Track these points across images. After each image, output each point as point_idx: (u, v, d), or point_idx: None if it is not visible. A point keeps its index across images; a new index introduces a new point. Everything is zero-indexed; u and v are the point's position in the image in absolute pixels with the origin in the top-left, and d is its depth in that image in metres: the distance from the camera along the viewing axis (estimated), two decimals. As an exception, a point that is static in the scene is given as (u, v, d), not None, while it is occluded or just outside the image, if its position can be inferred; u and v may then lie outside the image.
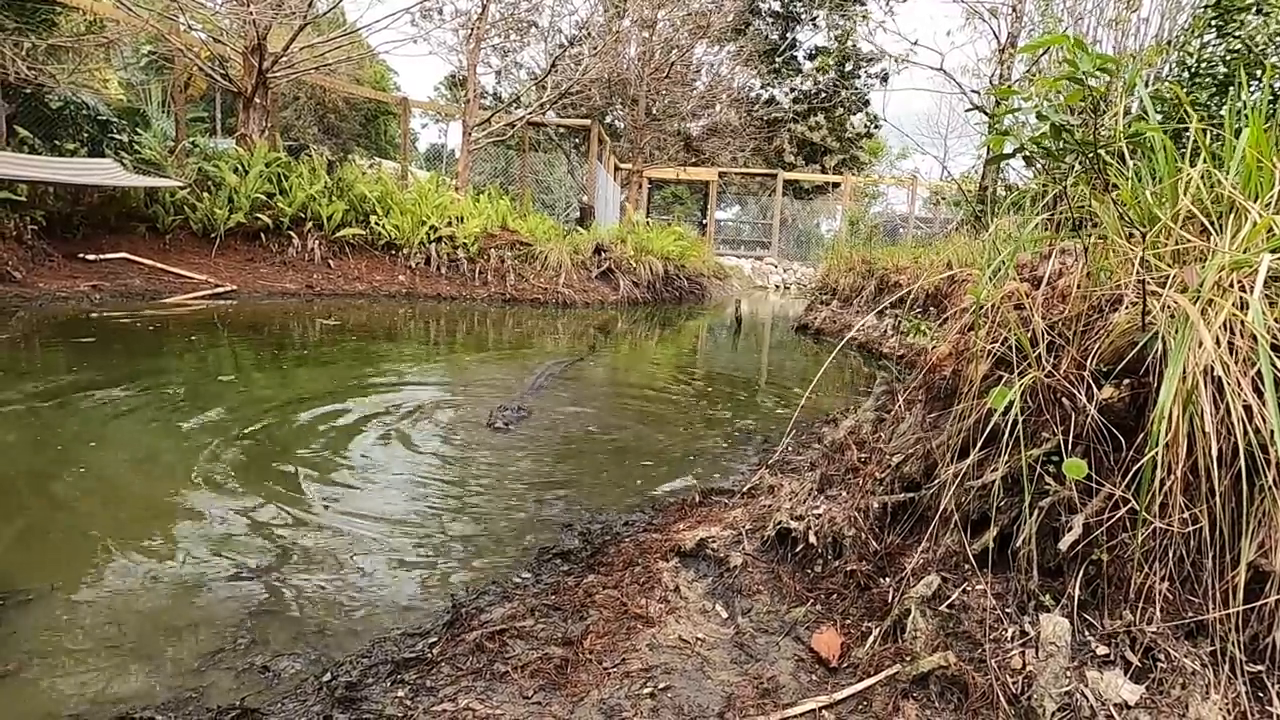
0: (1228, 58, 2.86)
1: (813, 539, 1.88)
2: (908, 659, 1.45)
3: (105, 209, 8.71)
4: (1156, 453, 1.29)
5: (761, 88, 25.73)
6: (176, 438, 3.14)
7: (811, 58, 25.50)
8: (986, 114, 7.08)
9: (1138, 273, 1.48)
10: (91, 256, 8.03)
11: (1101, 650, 1.32)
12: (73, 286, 7.27)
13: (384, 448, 3.20)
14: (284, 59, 10.28)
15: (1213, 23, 2.98)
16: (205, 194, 9.22)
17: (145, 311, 6.74)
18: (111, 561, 2.05)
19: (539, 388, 4.58)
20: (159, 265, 8.38)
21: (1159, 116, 2.91)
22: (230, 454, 2.97)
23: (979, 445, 1.67)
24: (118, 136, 9.07)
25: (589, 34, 16.97)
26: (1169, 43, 4.49)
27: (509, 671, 1.51)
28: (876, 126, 26.37)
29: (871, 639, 1.55)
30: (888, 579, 1.70)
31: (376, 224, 10.36)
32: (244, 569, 2.04)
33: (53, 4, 8.44)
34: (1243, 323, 1.29)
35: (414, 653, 1.61)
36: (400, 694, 1.46)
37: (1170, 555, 1.34)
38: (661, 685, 1.47)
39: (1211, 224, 1.49)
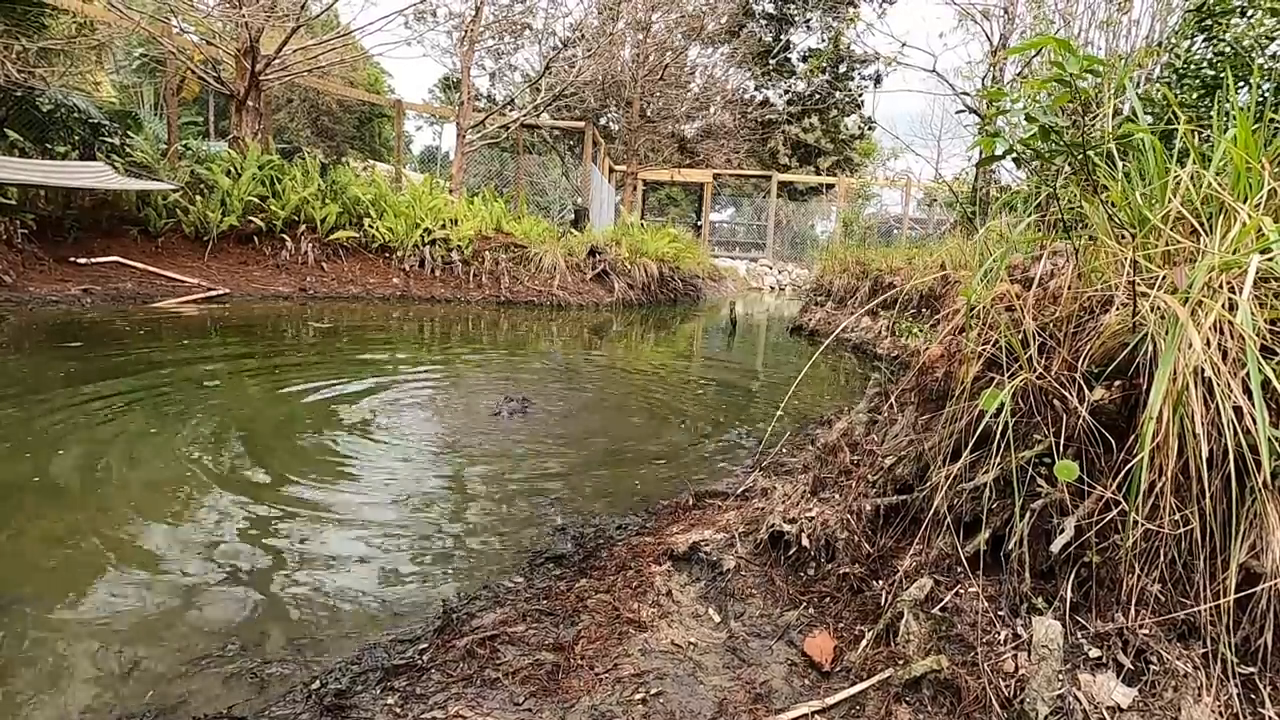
0: (1215, 60, 2.87)
1: (805, 542, 1.88)
2: (901, 663, 1.45)
3: (97, 212, 8.67)
4: (1146, 454, 1.29)
5: (756, 89, 25.78)
6: (165, 442, 3.12)
7: (805, 59, 25.56)
8: (978, 115, 7.11)
9: (1128, 274, 1.48)
10: (83, 260, 7.98)
11: (1094, 653, 1.31)
12: (64, 290, 7.22)
13: (374, 451, 3.19)
14: (277, 61, 10.25)
15: (1200, 25, 2.99)
16: (198, 197, 9.18)
17: (137, 315, 6.70)
18: (98, 567, 2.03)
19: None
20: (151, 268, 8.33)
21: (1149, 118, 2.92)
22: (219, 458, 2.95)
23: (971, 447, 1.67)
24: (109, 139, 9.01)
25: (583, 36, 16.95)
26: (1159, 45, 4.51)
27: (500, 678, 1.50)
28: (870, 128, 26.45)
29: (864, 642, 1.54)
30: (880, 582, 1.69)
31: (370, 226, 10.33)
32: (232, 574, 2.02)
33: (43, 6, 8.38)
34: (1232, 324, 1.29)
35: (404, 659, 1.59)
36: (390, 701, 1.44)
37: (1161, 557, 1.33)
38: (653, 691, 1.47)
39: (1201, 225, 1.49)
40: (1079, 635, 1.35)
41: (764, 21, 25.27)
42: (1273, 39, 2.84)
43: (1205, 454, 1.25)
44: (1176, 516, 1.31)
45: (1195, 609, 1.29)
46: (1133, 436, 1.41)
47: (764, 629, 1.70)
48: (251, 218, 9.48)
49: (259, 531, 2.31)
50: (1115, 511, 1.39)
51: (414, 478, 2.90)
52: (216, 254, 9.21)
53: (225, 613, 1.83)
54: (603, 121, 21.33)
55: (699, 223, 24.21)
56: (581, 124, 16.17)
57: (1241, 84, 2.60)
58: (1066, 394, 1.53)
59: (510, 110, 15.62)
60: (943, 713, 1.35)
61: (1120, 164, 1.73)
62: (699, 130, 23.32)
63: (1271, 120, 1.63)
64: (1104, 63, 1.51)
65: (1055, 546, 1.44)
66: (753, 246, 25.27)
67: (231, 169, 9.62)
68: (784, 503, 2.10)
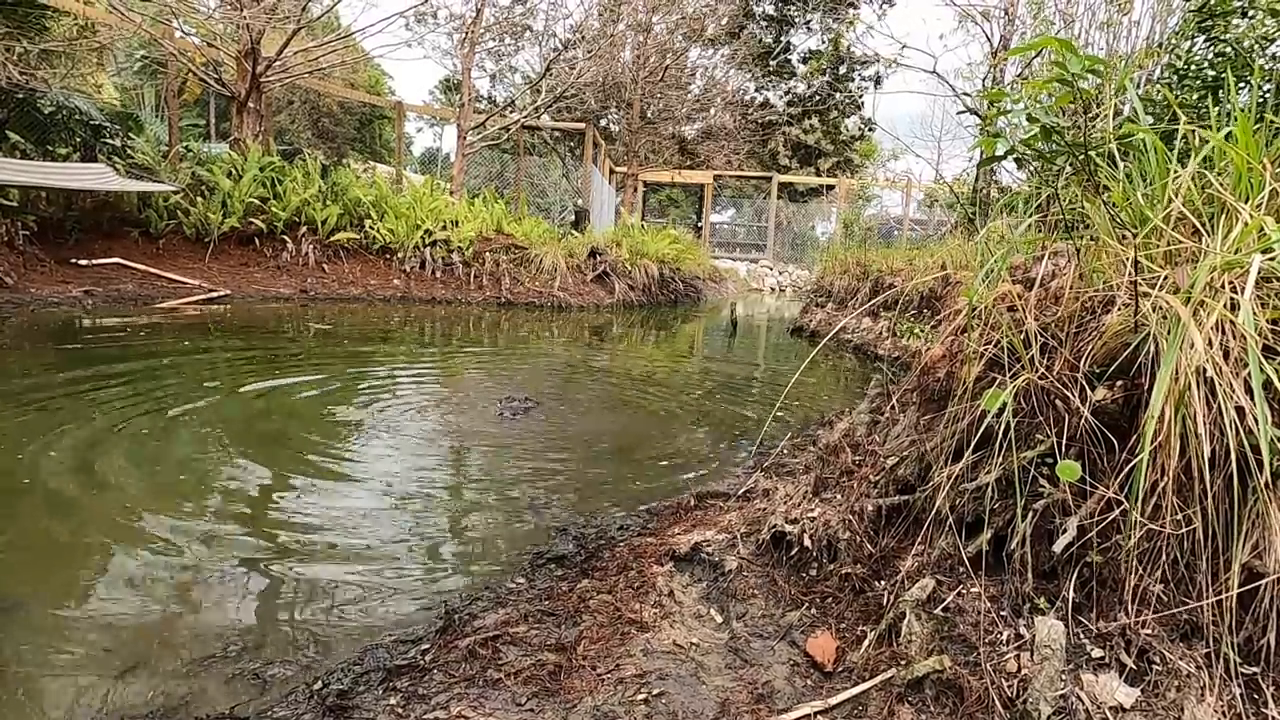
0: (1215, 60, 2.88)
1: (807, 542, 1.88)
2: (903, 663, 1.45)
3: (98, 214, 8.67)
4: (1148, 454, 1.29)
5: (756, 91, 25.81)
6: (165, 443, 3.12)
7: (805, 61, 25.60)
8: (979, 116, 7.12)
9: (1130, 274, 1.48)
10: (84, 261, 7.99)
11: (1096, 653, 1.31)
12: (65, 292, 7.22)
13: (375, 451, 3.19)
14: (278, 63, 10.26)
15: (1200, 25, 3.00)
16: (199, 198, 9.19)
17: (138, 317, 6.70)
18: (99, 568, 2.03)
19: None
20: (152, 270, 8.34)
21: (1149, 118, 2.92)
22: (218, 459, 2.96)
23: (973, 447, 1.67)
24: (111, 141, 9.02)
25: (583, 38, 16.96)
26: (1160, 45, 4.51)
27: (502, 678, 1.50)
28: (870, 129, 26.47)
29: (866, 643, 1.54)
30: (882, 582, 1.69)
31: (371, 228, 10.34)
32: (233, 575, 2.02)
33: (44, 9, 8.40)
34: (1234, 324, 1.29)
35: (406, 660, 1.59)
36: (392, 701, 1.44)
37: (1164, 557, 1.33)
38: (655, 691, 1.47)
39: (1203, 225, 1.49)
40: (1081, 635, 1.35)
41: (764, 23, 25.31)
42: (1273, 40, 2.85)
43: (1207, 454, 1.25)
44: (1179, 516, 1.31)
45: (1198, 608, 1.29)
46: (1135, 436, 1.41)
47: (766, 629, 1.70)
48: (252, 219, 9.49)
49: (260, 532, 2.31)
50: (1117, 511, 1.39)
51: (416, 478, 2.90)
52: (217, 255, 9.21)
53: (226, 613, 1.83)
54: (603, 123, 21.35)
55: (699, 224, 24.21)
56: (582, 125, 16.18)
57: (1242, 85, 2.60)
58: (1068, 394, 1.53)
59: (511, 112, 15.63)
60: (945, 713, 1.35)
61: (1121, 164, 1.74)
62: (699, 132, 23.34)
63: (1272, 121, 1.63)
64: (1105, 63, 1.51)
65: (1057, 546, 1.44)
66: (753, 248, 25.26)
67: (232, 170, 9.62)
68: (786, 503, 2.10)
